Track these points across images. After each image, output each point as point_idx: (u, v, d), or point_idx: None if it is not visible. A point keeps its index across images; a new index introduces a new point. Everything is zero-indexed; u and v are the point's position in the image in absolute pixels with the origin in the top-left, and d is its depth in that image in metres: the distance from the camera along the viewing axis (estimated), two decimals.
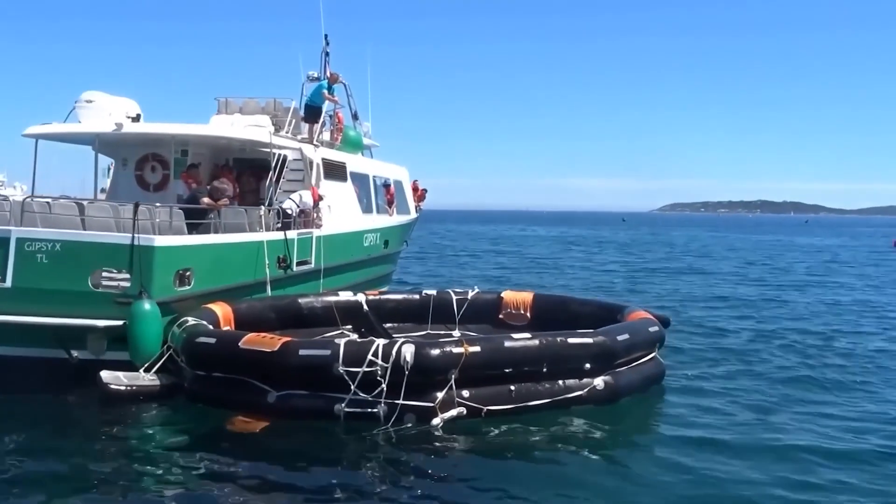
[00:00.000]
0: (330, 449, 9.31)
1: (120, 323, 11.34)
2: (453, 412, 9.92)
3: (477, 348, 10.17)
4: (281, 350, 10.11)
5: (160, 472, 8.65)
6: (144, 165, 16.89)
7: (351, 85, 21.28)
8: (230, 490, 8.14)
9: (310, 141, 17.69)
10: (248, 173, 17.08)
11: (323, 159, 17.51)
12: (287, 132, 17.85)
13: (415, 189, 25.64)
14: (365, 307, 14.58)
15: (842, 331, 18.49)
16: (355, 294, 14.91)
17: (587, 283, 30.08)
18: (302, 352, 10.12)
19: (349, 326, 14.30)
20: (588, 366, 10.77)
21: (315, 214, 16.36)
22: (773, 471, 8.70)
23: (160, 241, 11.86)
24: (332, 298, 14.53)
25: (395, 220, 22.20)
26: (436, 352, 9.98)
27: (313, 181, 16.91)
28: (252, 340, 10.46)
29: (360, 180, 19.89)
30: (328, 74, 19.56)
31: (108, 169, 17.42)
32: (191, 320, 11.57)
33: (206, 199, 13.94)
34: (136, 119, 15.68)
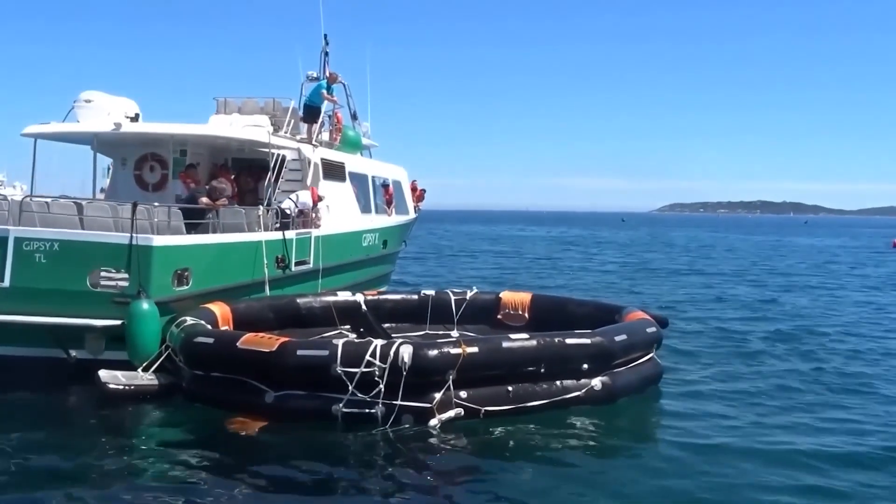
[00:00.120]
0: (327, 449, 9.31)
1: (118, 323, 11.35)
2: (451, 413, 9.93)
3: (475, 349, 10.17)
4: (279, 350, 10.12)
5: (157, 471, 8.65)
6: (143, 165, 16.89)
7: (350, 85, 21.30)
8: (227, 490, 8.14)
9: (309, 141, 17.69)
10: (246, 173, 17.09)
11: (322, 159, 17.52)
12: (286, 132, 17.86)
13: (413, 189, 25.66)
14: (363, 307, 14.59)
15: (841, 332, 18.47)
16: (354, 294, 14.93)
17: (586, 284, 30.09)
18: (300, 352, 10.12)
19: (347, 326, 14.30)
20: (586, 366, 10.78)
21: (314, 214, 16.37)
22: (771, 472, 8.70)
23: (158, 240, 11.87)
24: (331, 298, 14.54)
25: (393, 220, 22.21)
26: (434, 352, 9.98)
27: (312, 181, 16.91)
28: (250, 340, 10.47)
29: (359, 180, 19.89)
30: (327, 74, 19.56)
31: (108, 169, 17.43)
32: (189, 320, 11.59)
33: (204, 199, 13.95)
34: (135, 119, 15.67)
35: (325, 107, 18.90)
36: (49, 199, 12.73)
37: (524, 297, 15.07)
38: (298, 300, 14.18)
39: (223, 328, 12.19)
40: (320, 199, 16.53)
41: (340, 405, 9.81)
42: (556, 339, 10.74)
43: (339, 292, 15.00)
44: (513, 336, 10.83)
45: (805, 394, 12.29)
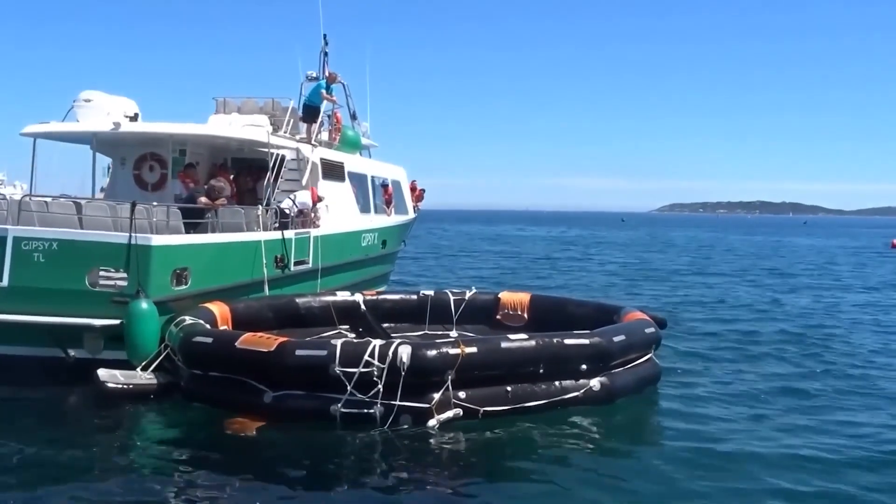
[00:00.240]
0: (326, 449, 9.30)
1: (117, 322, 11.35)
2: (450, 413, 9.92)
3: (473, 349, 10.16)
4: (277, 350, 10.11)
5: (155, 470, 8.64)
6: (142, 165, 16.89)
7: (349, 85, 21.30)
8: (225, 489, 8.15)
9: (308, 141, 17.69)
10: (245, 173, 17.09)
11: (321, 159, 17.52)
12: (285, 132, 17.86)
13: (413, 189, 25.66)
14: (362, 307, 14.59)
15: (841, 332, 18.46)
16: (353, 294, 14.92)
17: (585, 284, 30.09)
18: (298, 352, 10.12)
19: (346, 326, 14.31)
20: (584, 367, 10.78)
21: (313, 214, 16.37)
22: (769, 474, 8.70)
23: (157, 240, 11.87)
24: (330, 298, 14.53)
25: (393, 220, 22.21)
26: (432, 353, 9.97)
27: (311, 181, 16.92)
28: (249, 340, 10.46)
29: (359, 180, 19.89)
30: (327, 74, 19.56)
31: (108, 168, 17.44)
32: (188, 319, 11.59)
33: (203, 199, 13.95)
34: (134, 118, 15.67)
35: (325, 107, 18.89)
36: (48, 199, 12.74)
37: (523, 297, 15.06)
38: (297, 300, 14.17)
39: (222, 328, 12.18)
40: (319, 198, 16.53)
41: (339, 405, 9.80)
42: (555, 340, 10.73)
43: (338, 292, 14.99)
44: (511, 336, 10.82)
45: (805, 395, 12.28)
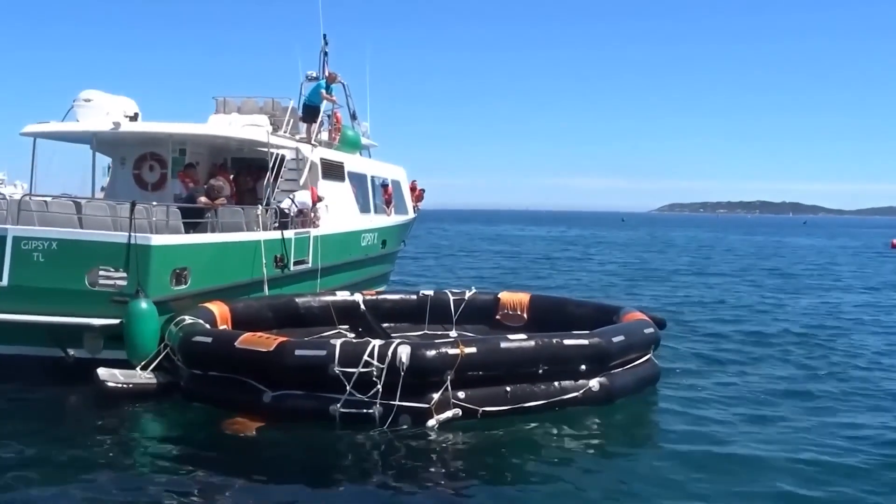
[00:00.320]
0: (325, 449, 9.32)
1: (116, 322, 11.36)
2: (449, 413, 9.93)
3: (473, 349, 10.16)
4: (277, 350, 10.12)
5: (154, 470, 8.65)
6: (142, 164, 16.90)
7: (349, 85, 21.30)
8: (224, 489, 8.16)
9: (308, 140, 17.69)
10: (245, 173, 17.10)
11: (321, 159, 17.52)
12: (285, 132, 17.86)
13: (413, 189, 25.66)
14: (362, 307, 14.59)
15: (841, 333, 18.41)
16: (352, 294, 14.92)
17: (585, 284, 30.10)
18: (298, 352, 10.12)
19: (346, 326, 14.32)
20: (583, 367, 10.79)
21: (313, 214, 16.38)
22: (768, 475, 8.70)
23: (157, 240, 11.88)
24: (330, 298, 14.53)
25: (392, 219, 22.21)
26: (432, 353, 9.97)
27: (311, 181, 16.92)
28: (248, 340, 10.47)
29: (358, 180, 19.89)
30: (326, 74, 19.56)
31: (108, 168, 17.45)
32: (188, 319, 11.60)
33: (202, 199, 13.96)
34: (134, 118, 15.68)
35: (325, 106, 18.90)
36: (48, 198, 12.75)
37: (523, 297, 15.07)
38: (297, 300, 14.17)
39: (222, 327, 12.19)
40: (319, 198, 16.53)
41: (338, 405, 9.81)
42: (554, 340, 10.74)
43: (337, 292, 14.99)
44: (511, 336, 10.83)
45: (805, 396, 12.25)
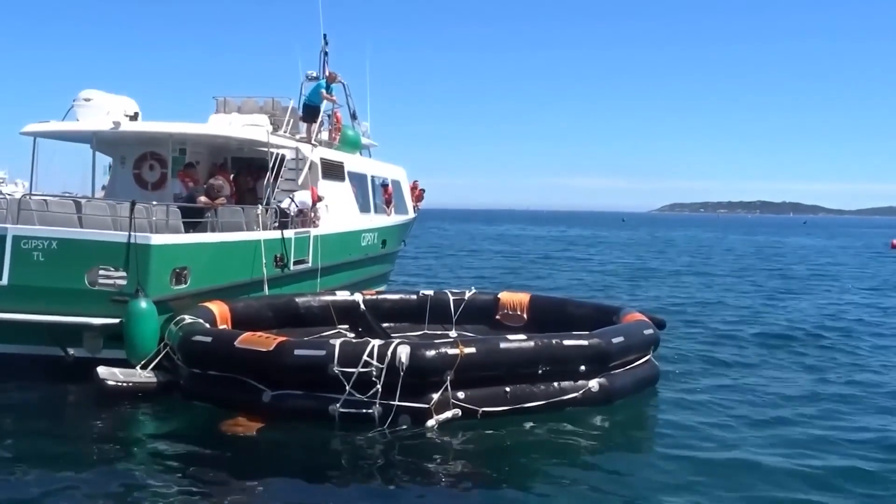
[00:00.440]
0: (324, 449, 9.32)
1: (116, 321, 11.36)
2: (448, 414, 9.93)
3: (472, 350, 10.17)
4: (276, 350, 10.13)
5: (154, 469, 8.64)
6: (143, 164, 16.91)
7: (349, 85, 21.31)
8: (222, 488, 8.16)
9: (308, 140, 17.70)
10: (245, 172, 17.10)
11: (321, 159, 17.53)
12: (285, 131, 17.87)
13: (413, 189, 25.66)
14: (362, 307, 14.59)
15: (842, 335, 18.34)
16: (352, 293, 14.92)
17: (585, 284, 30.09)
18: (297, 352, 10.13)
19: (346, 326, 14.32)
20: (583, 368, 10.79)
21: (313, 214, 16.38)
22: (766, 476, 8.70)
23: (157, 239, 11.88)
24: (330, 298, 14.53)
25: (392, 219, 22.21)
26: (431, 353, 9.97)
27: (311, 180, 16.92)
28: (248, 340, 10.47)
29: (358, 180, 19.90)
30: (327, 74, 19.57)
31: (108, 167, 17.46)
32: (187, 318, 11.61)
33: (202, 198, 13.96)
34: (134, 118, 15.69)
35: (325, 106, 18.90)
36: (47, 198, 12.76)
37: (523, 297, 15.07)
38: (297, 299, 14.17)
39: (221, 327, 12.19)
40: (319, 198, 16.54)
41: (337, 405, 9.81)
42: (554, 341, 10.74)
43: (337, 292, 14.99)
44: (510, 337, 10.83)
45: (805, 397, 12.20)
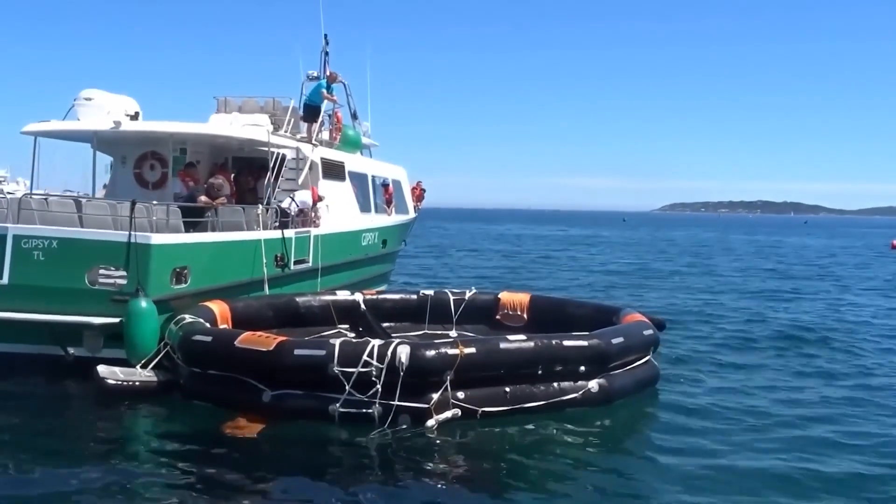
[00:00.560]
0: (324, 449, 9.33)
1: (116, 320, 11.37)
2: (448, 414, 9.93)
3: (472, 350, 10.17)
4: (276, 349, 10.13)
5: (153, 468, 8.66)
6: (143, 163, 16.92)
7: (350, 84, 21.31)
8: (221, 487, 8.16)
9: (308, 140, 17.71)
10: (246, 172, 17.11)
11: (321, 158, 17.54)
12: (286, 131, 17.88)
13: (414, 189, 25.66)
14: (362, 306, 14.60)
15: (843, 336, 18.25)
16: (353, 293, 14.93)
17: (586, 284, 30.08)
18: (297, 351, 10.14)
19: (346, 326, 14.33)
20: (583, 368, 10.80)
21: (313, 213, 16.39)
22: (765, 477, 8.71)
23: (157, 238, 11.89)
24: (330, 297, 14.54)
25: (393, 219, 22.22)
26: (431, 353, 9.98)
27: (312, 180, 16.93)
28: (248, 339, 10.48)
29: (359, 180, 19.91)
30: (327, 74, 19.57)
31: (109, 166, 17.47)
32: (188, 318, 11.62)
33: (203, 198, 13.97)
34: (135, 117, 15.70)
35: (325, 106, 18.91)
36: (48, 197, 12.77)
37: (523, 297, 15.07)
38: (297, 299, 14.18)
39: (222, 326, 12.21)
40: (320, 198, 16.55)
41: (337, 405, 9.81)
42: (554, 341, 10.75)
43: (338, 291, 15.00)
44: (510, 337, 10.84)
45: (805, 399, 12.17)
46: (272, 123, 17.60)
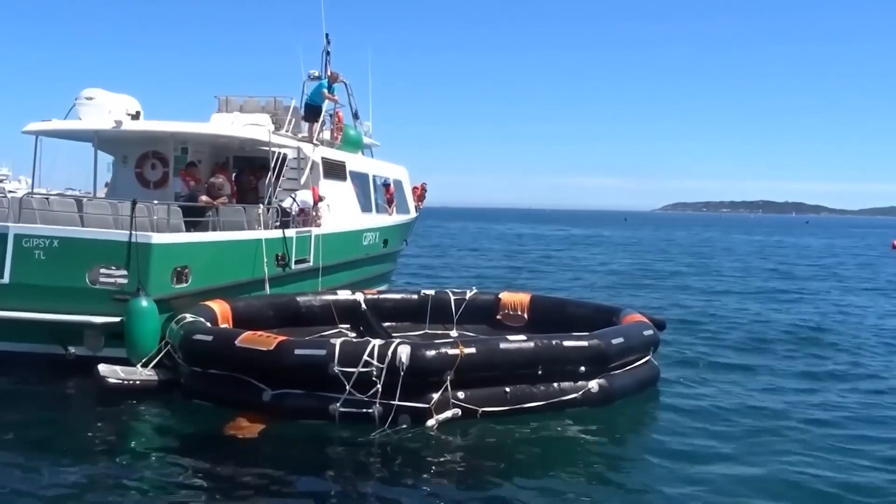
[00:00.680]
0: (324, 449, 9.33)
1: (117, 320, 11.40)
2: (448, 413, 9.94)
3: (472, 350, 10.18)
4: (276, 349, 10.14)
5: (154, 467, 8.67)
6: (144, 163, 16.94)
7: (352, 84, 21.32)
8: (221, 487, 8.18)
9: (310, 140, 17.73)
10: (247, 172, 17.13)
11: (322, 158, 17.55)
12: (287, 131, 17.90)
13: (415, 189, 25.66)
14: (363, 306, 14.61)
15: (845, 337, 18.23)
16: (354, 293, 14.93)
17: (589, 284, 30.08)
18: (297, 351, 10.15)
19: (347, 325, 14.35)
20: (583, 368, 10.80)
21: (314, 213, 16.41)
22: (765, 476, 8.72)
23: (158, 238, 11.92)
24: (331, 297, 14.55)
25: (394, 219, 22.23)
26: (431, 353, 9.99)
27: (313, 180, 16.95)
28: (248, 339, 10.50)
29: (360, 179, 19.92)
30: (329, 73, 19.58)
31: (111, 164, 17.49)
32: (189, 317, 11.63)
33: (204, 197, 13.99)
34: (136, 116, 15.72)
35: (327, 106, 18.93)
36: (49, 196, 12.80)
37: (523, 297, 15.08)
38: (298, 299, 14.19)
39: (222, 326, 12.22)
40: (321, 197, 16.56)
41: (338, 405, 9.82)
42: (554, 342, 10.75)
43: (339, 291, 15.01)
44: (510, 337, 10.84)
45: (806, 401, 12.12)
46: (273, 123, 17.61)
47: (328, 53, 20.27)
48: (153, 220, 12.21)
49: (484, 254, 48.55)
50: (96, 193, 16.51)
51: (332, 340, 10.39)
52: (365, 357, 9.81)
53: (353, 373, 9.77)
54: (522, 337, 10.88)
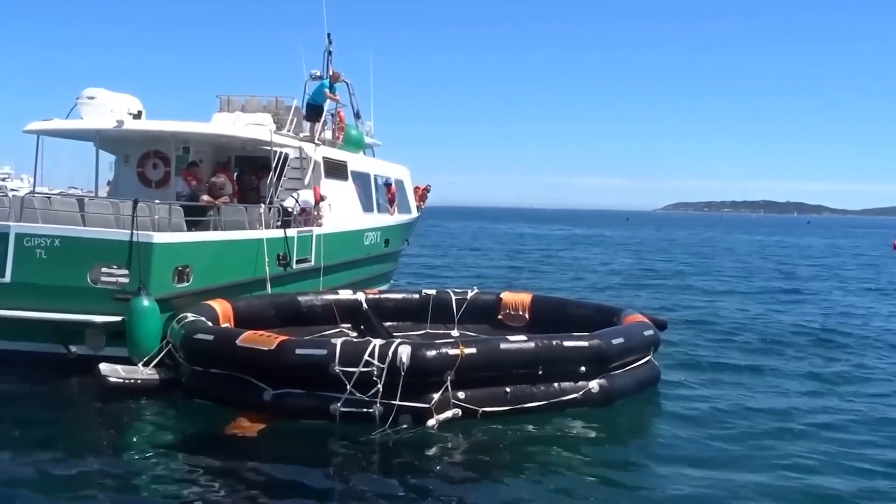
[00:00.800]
0: (325, 448, 9.35)
1: (118, 319, 11.41)
2: (449, 413, 9.94)
3: (473, 350, 10.19)
4: (277, 349, 10.16)
5: (154, 466, 8.69)
6: (146, 162, 16.94)
7: (353, 84, 21.33)
8: (222, 486, 8.18)
9: (311, 139, 17.73)
10: (249, 171, 17.13)
11: (324, 158, 17.56)
12: (289, 130, 17.89)
13: (416, 189, 25.67)
14: (364, 306, 14.63)
15: (847, 337, 18.21)
16: (355, 293, 14.94)
17: (590, 284, 30.07)
18: (298, 351, 10.16)
19: (348, 325, 14.36)
20: (583, 369, 10.81)
21: (316, 213, 16.41)
22: (766, 477, 8.72)
23: (159, 237, 11.93)
24: (332, 297, 14.57)
25: (395, 218, 22.24)
26: (432, 353, 10.00)
27: (314, 179, 16.95)
28: (249, 338, 10.51)
29: (362, 179, 19.93)
30: (330, 73, 19.58)
31: (113, 163, 17.51)
32: (190, 316, 11.64)
33: (205, 197, 14.00)
34: (138, 116, 15.73)
35: (328, 105, 18.93)
36: (50, 196, 12.81)
37: (524, 297, 15.08)
38: (299, 298, 14.21)
39: (224, 325, 12.23)
40: (322, 197, 16.57)
41: (338, 404, 9.83)
42: (554, 342, 10.76)
43: (340, 291, 15.03)
44: (511, 337, 10.85)
45: (806, 403, 12.06)
46: (275, 123, 17.61)
47: (330, 53, 20.29)
48: (155, 219, 12.23)
49: (485, 253, 48.54)
50: (98, 193, 16.53)
51: (333, 340, 10.40)
52: (366, 357, 9.82)
53: (354, 372, 9.78)
54: (523, 337, 10.89)
